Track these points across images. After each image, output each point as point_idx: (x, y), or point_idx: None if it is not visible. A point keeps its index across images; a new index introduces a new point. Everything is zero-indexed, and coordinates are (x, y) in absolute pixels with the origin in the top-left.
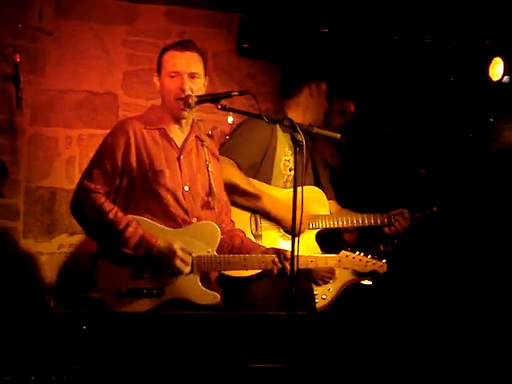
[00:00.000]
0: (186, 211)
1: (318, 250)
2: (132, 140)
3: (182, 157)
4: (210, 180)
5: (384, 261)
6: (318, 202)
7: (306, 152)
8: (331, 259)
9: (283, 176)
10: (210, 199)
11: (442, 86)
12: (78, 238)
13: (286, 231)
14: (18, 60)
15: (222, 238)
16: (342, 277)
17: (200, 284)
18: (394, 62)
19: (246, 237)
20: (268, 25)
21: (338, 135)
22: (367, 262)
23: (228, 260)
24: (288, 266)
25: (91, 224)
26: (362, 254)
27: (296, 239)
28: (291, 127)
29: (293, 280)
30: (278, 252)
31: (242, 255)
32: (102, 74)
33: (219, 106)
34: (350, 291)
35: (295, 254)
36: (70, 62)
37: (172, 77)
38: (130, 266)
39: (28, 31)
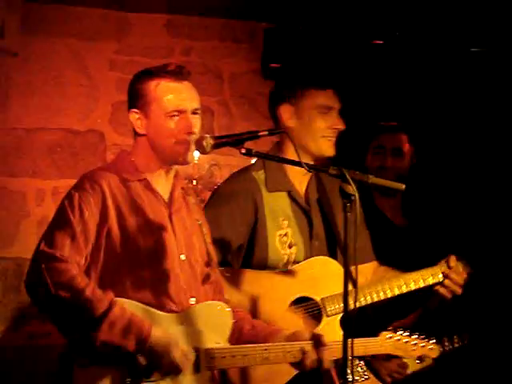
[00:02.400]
0: (182, 289)
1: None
2: (109, 199)
3: (173, 215)
4: (206, 245)
5: (433, 341)
6: (331, 278)
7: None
8: (371, 344)
9: (282, 257)
10: (210, 270)
11: None
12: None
13: None
14: None
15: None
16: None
17: None
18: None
19: (256, 320)
20: (302, 37)
21: (403, 186)
22: (415, 344)
23: (245, 352)
24: (326, 357)
25: (58, 307)
26: (408, 333)
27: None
28: (340, 176)
29: None
30: (314, 337)
31: (262, 344)
32: (83, 106)
33: (243, 151)
34: None
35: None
36: (41, 92)
37: (172, 116)
38: (121, 366)
39: None
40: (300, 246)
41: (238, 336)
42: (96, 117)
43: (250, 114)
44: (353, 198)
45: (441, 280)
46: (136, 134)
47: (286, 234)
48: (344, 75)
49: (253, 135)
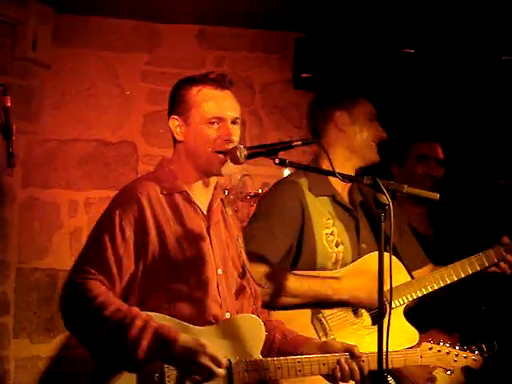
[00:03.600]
0: (218, 303)
1: (414, 333)
2: (148, 213)
3: (211, 228)
4: (242, 257)
5: (476, 352)
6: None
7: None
8: (410, 355)
9: (330, 256)
10: (244, 283)
11: None
12: None
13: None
14: (9, 104)
15: None
16: None
17: None
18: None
19: (287, 328)
20: (333, 46)
21: (437, 195)
22: (457, 355)
23: (278, 364)
24: (357, 369)
25: (88, 326)
26: (448, 344)
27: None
28: (374, 186)
29: None
30: (348, 349)
31: (295, 357)
32: (115, 118)
33: (277, 161)
34: None
35: (383, 348)
36: (73, 103)
37: (212, 123)
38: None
39: (19, 64)
40: (347, 246)
41: (270, 345)
42: (127, 128)
43: (281, 123)
44: (387, 207)
45: (495, 261)
46: (175, 142)
47: (332, 233)
48: (376, 84)
49: (286, 145)
